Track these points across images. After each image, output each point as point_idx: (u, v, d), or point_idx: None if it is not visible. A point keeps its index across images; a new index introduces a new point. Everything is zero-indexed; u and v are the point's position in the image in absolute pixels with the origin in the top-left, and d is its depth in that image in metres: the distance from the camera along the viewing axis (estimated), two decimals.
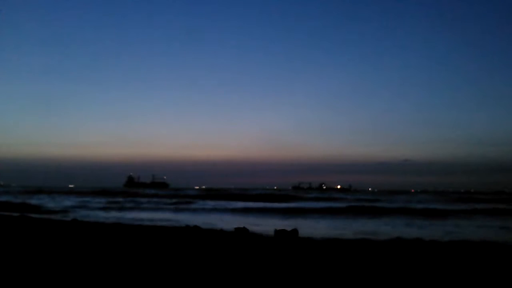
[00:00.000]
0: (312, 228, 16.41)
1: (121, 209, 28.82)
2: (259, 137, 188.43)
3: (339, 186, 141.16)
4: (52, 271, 5.29)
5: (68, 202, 35.78)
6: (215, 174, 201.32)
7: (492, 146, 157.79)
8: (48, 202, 34.91)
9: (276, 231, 11.57)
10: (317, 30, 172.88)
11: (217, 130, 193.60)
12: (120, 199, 41.13)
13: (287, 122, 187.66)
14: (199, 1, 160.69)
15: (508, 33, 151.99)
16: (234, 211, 27.82)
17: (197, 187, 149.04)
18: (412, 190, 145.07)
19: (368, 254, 7.79)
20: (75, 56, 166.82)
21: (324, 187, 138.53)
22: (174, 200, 40.42)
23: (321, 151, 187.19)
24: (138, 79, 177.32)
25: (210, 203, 36.14)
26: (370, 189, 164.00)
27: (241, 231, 12.11)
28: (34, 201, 35.32)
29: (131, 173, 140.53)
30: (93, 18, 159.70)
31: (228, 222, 17.19)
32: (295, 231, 11.57)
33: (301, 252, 7.87)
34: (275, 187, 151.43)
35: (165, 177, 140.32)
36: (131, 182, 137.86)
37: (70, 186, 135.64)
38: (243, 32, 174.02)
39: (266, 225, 16.00)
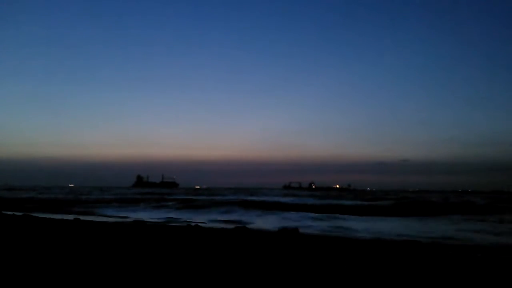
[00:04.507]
0: None
1: None
2: (260, 137, 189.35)
3: (337, 186, 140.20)
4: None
5: None
6: (217, 174, 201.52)
7: (491, 146, 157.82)
8: None
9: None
10: (317, 30, 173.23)
11: (218, 130, 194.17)
12: None
13: (287, 122, 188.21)
14: (199, 0, 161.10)
15: (508, 33, 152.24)
16: None
17: (197, 187, 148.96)
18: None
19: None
20: (77, 57, 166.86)
21: (314, 186, 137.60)
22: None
23: (320, 151, 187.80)
24: (141, 79, 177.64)
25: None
26: (368, 188, 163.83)
27: (241, 229, 12.21)
28: None
29: (139, 173, 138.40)
30: (95, 19, 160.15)
31: None
32: (295, 229, 11.75)
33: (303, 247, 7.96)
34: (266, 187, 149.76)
35: (174, 177, 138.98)
36: (140, 182, 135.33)
37: (70, 185, 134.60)
38: (243, 32, 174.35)
39: None
